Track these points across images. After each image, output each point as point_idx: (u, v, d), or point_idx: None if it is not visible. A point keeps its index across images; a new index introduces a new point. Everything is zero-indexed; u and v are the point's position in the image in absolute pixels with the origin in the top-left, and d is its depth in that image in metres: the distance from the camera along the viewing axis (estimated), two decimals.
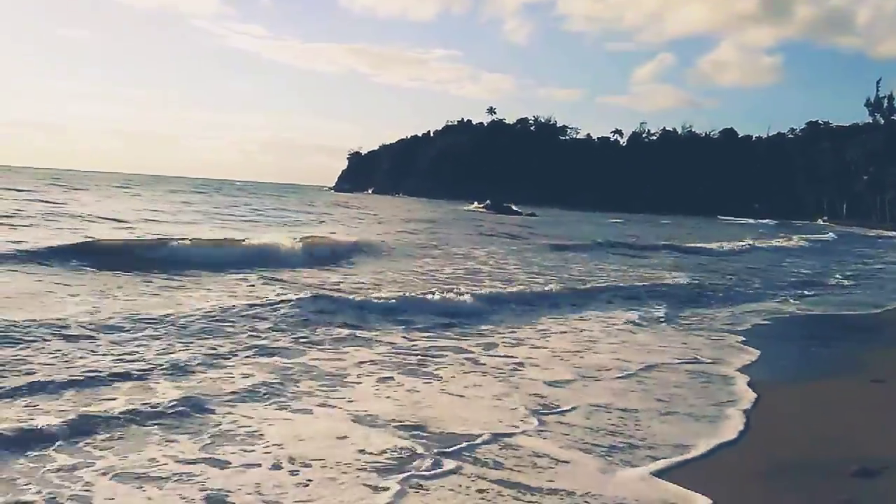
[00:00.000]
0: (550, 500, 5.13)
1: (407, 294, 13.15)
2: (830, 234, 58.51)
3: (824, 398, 8.53)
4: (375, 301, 12.26)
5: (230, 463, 5.41)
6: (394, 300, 12.40)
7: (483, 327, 11.43)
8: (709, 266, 25.37)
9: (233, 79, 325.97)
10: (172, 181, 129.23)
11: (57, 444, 5.49)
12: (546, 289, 15.54)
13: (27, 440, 5.48)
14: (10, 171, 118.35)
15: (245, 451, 5.66)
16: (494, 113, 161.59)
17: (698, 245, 34.94)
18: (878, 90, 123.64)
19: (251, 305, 11.12)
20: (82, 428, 5.79)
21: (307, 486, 5.11)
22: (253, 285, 13.86)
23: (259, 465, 5.40)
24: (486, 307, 12.88)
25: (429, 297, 12.93)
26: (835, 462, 6.07)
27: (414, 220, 47.05)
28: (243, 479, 5.14)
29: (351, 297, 12.75)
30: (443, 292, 13.43)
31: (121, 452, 5.45)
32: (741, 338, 11.90)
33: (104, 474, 5.06)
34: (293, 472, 5.30)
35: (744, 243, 38.12)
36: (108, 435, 5.75)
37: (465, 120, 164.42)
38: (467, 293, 13.50)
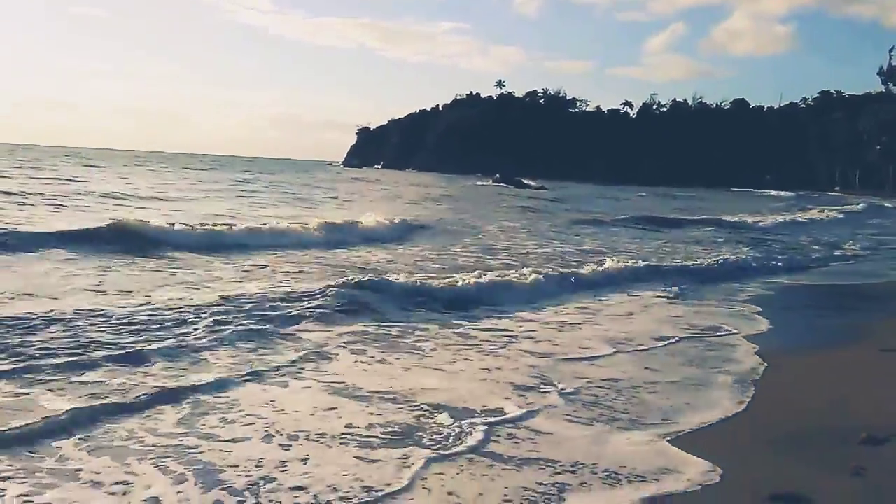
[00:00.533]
0: (554, 466, 5.18)
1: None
2: (861, 204, 57.23)
3: (833, 367, 8.56)
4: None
5: None
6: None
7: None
8: (757, 240, 25.18)
9: (241, 55, 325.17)
10: (183, 158, 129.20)
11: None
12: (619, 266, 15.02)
13: None
14: (29, 149, 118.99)
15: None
16: (503, 86, 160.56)
17: (737, 219, 33.93)
18: (890, 59, 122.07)
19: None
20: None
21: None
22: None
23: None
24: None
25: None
26: (843, 430, 6.09)
27: (435, 197, 46.48)
28: None
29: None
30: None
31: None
32: (755, 307, 11.94)
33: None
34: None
35: (780, 218, 36.71)
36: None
37: (474, 93, 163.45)
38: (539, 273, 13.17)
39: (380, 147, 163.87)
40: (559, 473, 5.08)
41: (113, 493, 4.47)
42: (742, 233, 28.40)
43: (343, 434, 5.58)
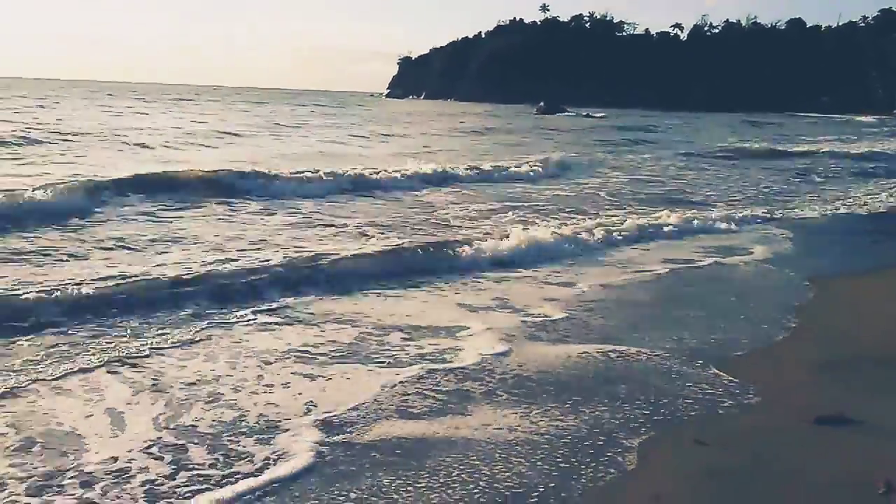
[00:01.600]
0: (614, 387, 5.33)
1: None
2: None
3: (879, 291, 8.52)
4: None
5: None
6: None
7: None
8: None
9: None
10: (229, 91, 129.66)
11: None
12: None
13: None
14: (75, 84, 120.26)
15: None
16: (548, 10, 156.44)
17: (862, 149, 31.79)
18: None
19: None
20: None
21: None
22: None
23: None
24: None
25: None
26: (887, 354, 6.12)
27: (505, 129, 44.04)
28: None
29: None
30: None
31: None
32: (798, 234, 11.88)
33: None
34: None
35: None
36: None
37: (517, 19, 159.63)
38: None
39: (422, 77, 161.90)
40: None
41: None
42: (880, 163, 26.83)
43: None
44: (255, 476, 4.01)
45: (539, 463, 4.22)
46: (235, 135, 28.49)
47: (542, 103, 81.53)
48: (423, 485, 3.97)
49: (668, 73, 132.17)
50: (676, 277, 8.91)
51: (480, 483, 3.99)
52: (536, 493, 3.91)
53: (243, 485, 3.92)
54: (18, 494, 3.74)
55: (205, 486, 3.89)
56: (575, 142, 34.12)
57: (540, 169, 20.27)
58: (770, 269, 9.51)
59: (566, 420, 4.79)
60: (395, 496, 3.86)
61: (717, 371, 5.75)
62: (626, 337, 6.52)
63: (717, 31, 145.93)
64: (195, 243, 9.33)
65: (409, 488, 3.93)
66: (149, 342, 5.89)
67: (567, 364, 5.78)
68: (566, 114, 74.48)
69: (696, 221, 12.70)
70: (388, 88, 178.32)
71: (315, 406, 4.90)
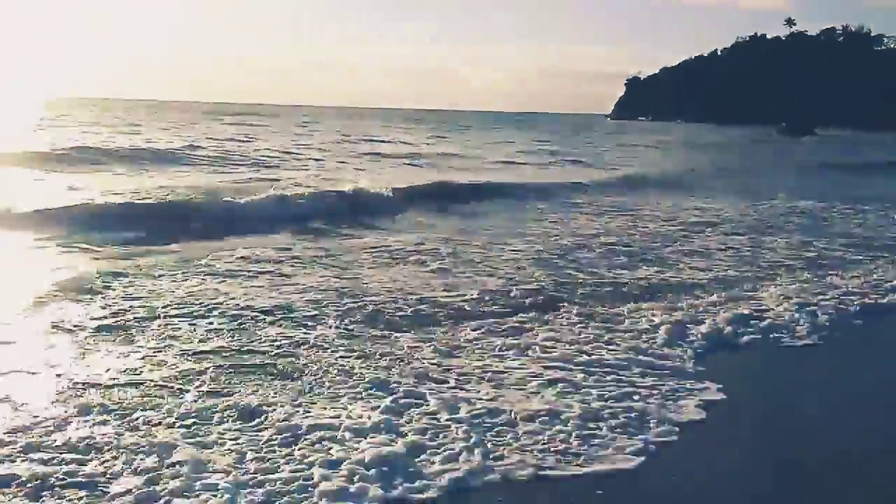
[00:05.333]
0: None
1: None
2: None
3: None
4: None
5: None
6: None
7: None
8: None
9: (502, 8, 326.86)
10: (454, 115, 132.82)
11: None
12: None
13: None
14: (319, 110, 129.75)
15: None
16: (794, 25, 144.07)
17: None
18: None
19: None
20: None
21: None
22: None
23: None
24: None
25: None
26: None
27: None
28: None
29: None
30: None
31: None
32: None
33: None
34: None
35: None
36: None
37: (759, 35, 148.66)
38: None
39: (650, 98, 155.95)
40: None
41: None
42: None
43: None
44: None
45: None
46: None
47: (783, 124, 74.34)
48: None
49: None
50: None
51: None
52: None
53: None
54: None
55: None
56: None
57: None
58: None
59: None
60: None
61: None
62: None
63: None
64: None
65: None
66: None
67: None
68: (815, 136, 66.96)
69: None
70: (612, 110, 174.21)
71: None
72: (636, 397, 4.94)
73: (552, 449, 4.19)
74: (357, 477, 3.78)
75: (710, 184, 20.95)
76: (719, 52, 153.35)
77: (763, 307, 7.29)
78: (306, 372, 5.17)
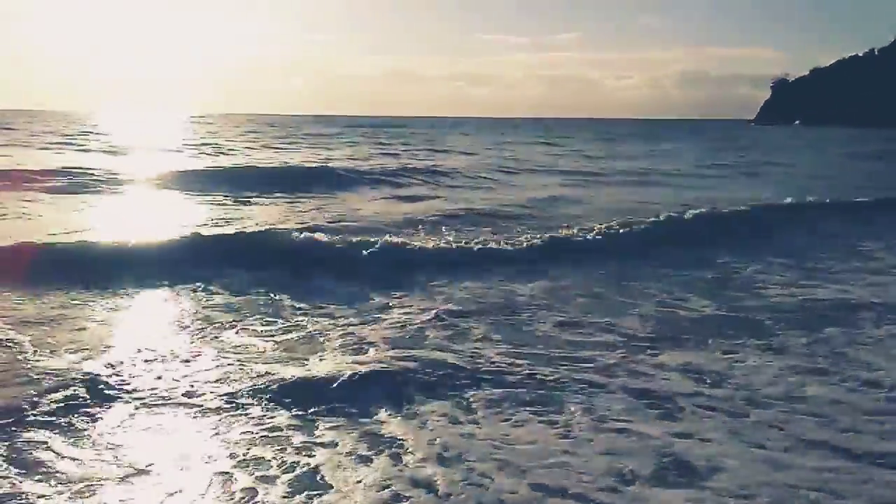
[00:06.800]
0: None
1: None
2: None
3: None
4: None
5: None
6: None
7: None
8: None
9: (645, 13, 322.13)
10: (598, 123, 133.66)
11: None
12: None
13: None
14: (462, 121, 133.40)
15: None
16: None
17: None
18: None
19: None
20: None
21: None
22: None
23: None
24: None
25: None
26: None
27: None
28: None
29: None
30: None
31: None
32: None
33: None
34: None
35: None
36: None
37: None
38: None
39: (799, 101, 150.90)
40: None
41: None
42: None
43: None
44: None
45: None
46: None
47: None
48: None
49: None
50: None
51: None
52: None
53: None
54: None
55: None
56: None
57: None
58: None
59: None
60: None
61: None
62: None
63: None
64: None
65: None
66: None
67: None
68: None
69: None
70: (757, 115, 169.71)
71: None
72: None
73: None
74: None
75: None
76: (876, 52, 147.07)
77: None
78: None
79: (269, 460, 4.48)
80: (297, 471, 4.38)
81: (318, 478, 4.31)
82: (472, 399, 5.49)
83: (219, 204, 16.53)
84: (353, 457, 4.56)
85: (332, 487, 4.20)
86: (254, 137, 48.31)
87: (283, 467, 4.41)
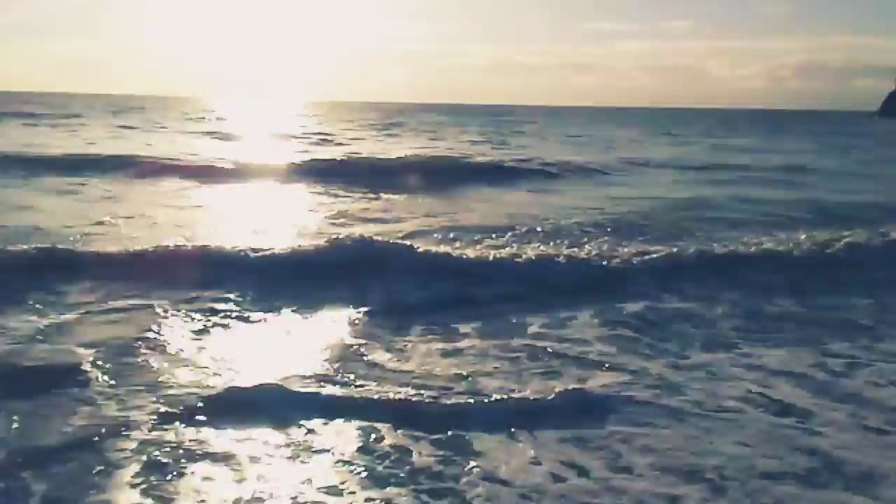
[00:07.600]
0: None
1: None
2: None
3: None
4: None
5: None
6: None
7: None
8: None
9: (767, 3, 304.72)
10: (712, 114, 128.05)
11: None
12: None
13: None
14: (570, 111, 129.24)
15: None
16: None
17: None
18: None
19: None
20: None
21: None
22: None
23: None
24: None
25: None
26: None
27: None
28: None
29: None
30: None
31: None
32: None
33: None
34: None
35: None
36: None
37: None
38: None
39: None
40: None
41: None
42: None
43: None
44: None
45: None
46: None
47: None
48: None
49: None
50: None
51: None
52: None
53: None
54: None
55: None
56: None
57: None
58: None
59: None
60: None
61: None
62: None
63: None
64: None
65: None
66: None
67: None
68: None
69: None
70: (882, 106, 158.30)
71: None
72: None
73: None
74: None
75: None
76: None
77: None
78: None
79: None
80: None
81: None
82: None
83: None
84: None
85: None
86: (370, 125, 47.98)
87: None
